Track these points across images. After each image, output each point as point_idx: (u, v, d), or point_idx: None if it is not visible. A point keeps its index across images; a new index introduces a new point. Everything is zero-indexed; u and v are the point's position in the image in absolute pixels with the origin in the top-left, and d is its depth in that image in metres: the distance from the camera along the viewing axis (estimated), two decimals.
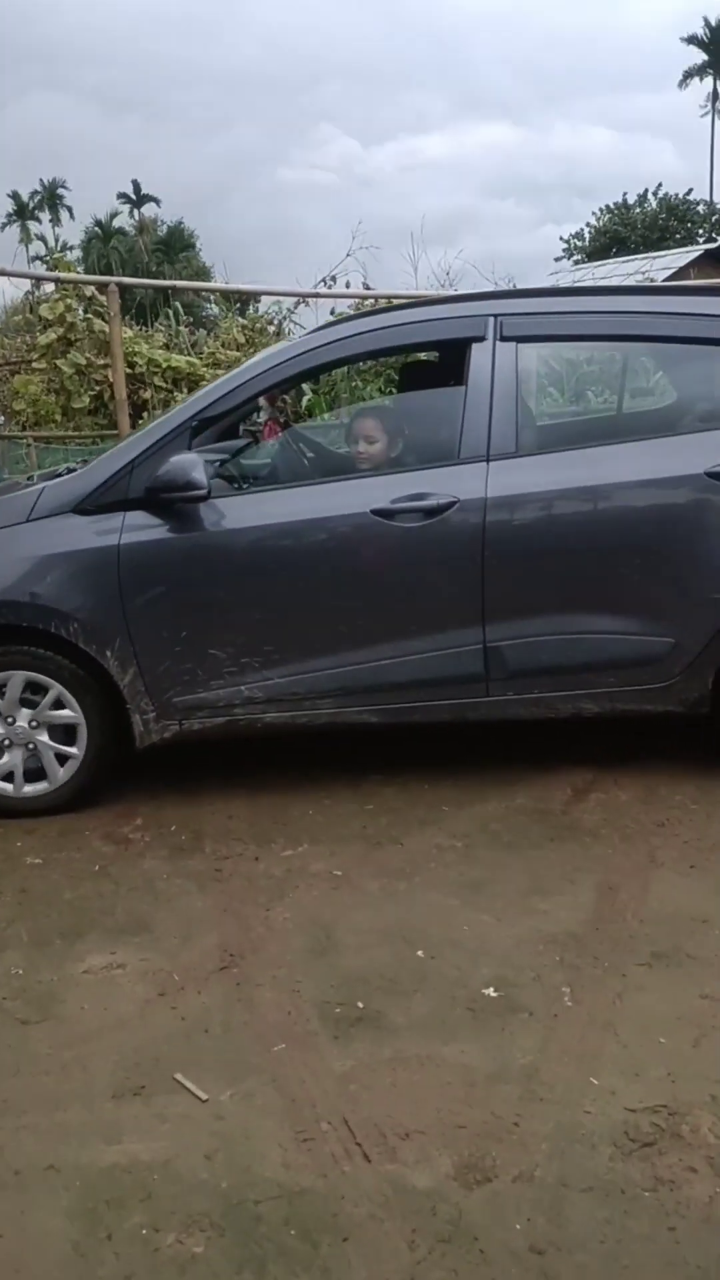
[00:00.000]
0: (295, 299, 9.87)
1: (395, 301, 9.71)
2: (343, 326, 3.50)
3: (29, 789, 3.43)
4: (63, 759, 3.42)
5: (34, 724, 3.38)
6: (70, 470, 3.77)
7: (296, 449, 4.14)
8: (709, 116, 47.21)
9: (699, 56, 46.71)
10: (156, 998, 2.43)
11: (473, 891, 2.84)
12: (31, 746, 3.40)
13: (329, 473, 3.83)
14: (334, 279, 9.87)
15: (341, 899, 2.84)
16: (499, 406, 3.35)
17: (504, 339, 3.40)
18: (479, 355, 3.40)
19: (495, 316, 3.41)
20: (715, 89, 46.28)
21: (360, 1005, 2.36)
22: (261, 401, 3.90)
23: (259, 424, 4.79)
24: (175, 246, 58.00)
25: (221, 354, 9.53)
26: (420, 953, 2.56)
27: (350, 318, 3.64)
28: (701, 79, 47.27)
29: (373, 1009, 2.35)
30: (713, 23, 45.62)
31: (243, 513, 3.37)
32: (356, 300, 9.75)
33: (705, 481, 3.28)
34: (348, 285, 9.77)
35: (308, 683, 3.38)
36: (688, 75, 46.49)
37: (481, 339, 3.40)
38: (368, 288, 9.80)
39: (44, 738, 3.40)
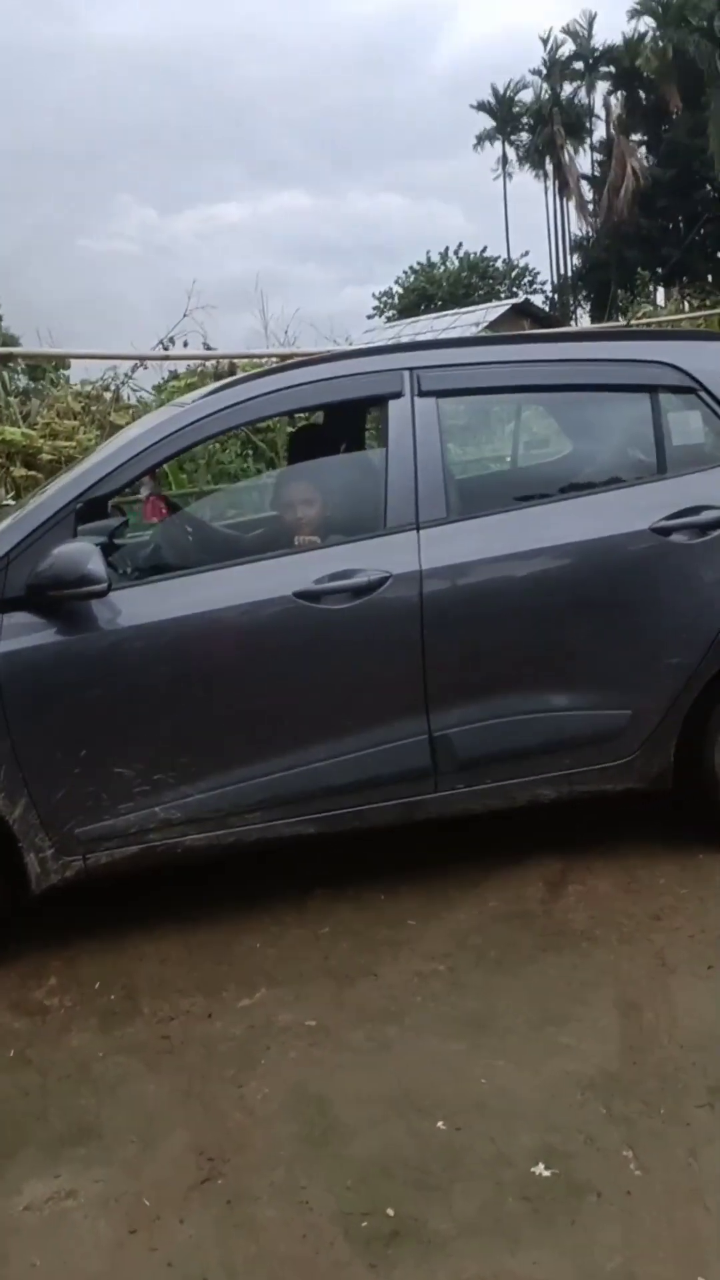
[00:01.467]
0: (132, 363, 9.39)
1: (238, 363, 9.43)
2: (243, 388, 3.09)
3: None
4: None
5: None
6: None
7: (181, 528, 3.70)
8: (500, 179, 49.62)
9: (487, 122, 49.14)
10: (128, 1237, 1.90)
11: (476, 1030, 2.42)
12: None
13: (221, 554, 3.38)
14: (172, 340, 9.45)
15: (324, 1059, 2.37)
16: (424, 469, 3.01)
17: (422, 394, 3.06)
18: (398, 413, 3.04)
19: (411, 370, 3.07)
20: (504, 153, 48.73)
21: (390, 1213, 1.89)
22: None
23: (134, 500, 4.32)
24: None
25: (57, 424, 8.92)
26: (440, 1123, 2.12)
27: (247, 377, 3.25)
28: (492, 143, 49.69)
29: (407, 1215, 1.89)
30: (499, 90, 48.16)
31: (141, 606, 2.87)
32: (199, 361, 9.38)
33: (651, 538, 3.01)
34: (185, 345, 9.36)
35: (232, 796, 2.89)
36: (480, 139, 48.79)
37: (399, 395, 3.06)
38: (208, 348, 9.43)
39: None
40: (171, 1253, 1.85)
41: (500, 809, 3.08)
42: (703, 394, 3.13)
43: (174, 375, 9.98)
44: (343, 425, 3.91)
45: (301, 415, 4.23)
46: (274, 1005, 2.59)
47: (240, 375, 3.29)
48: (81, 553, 2.73)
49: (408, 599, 2.89)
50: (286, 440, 8.69)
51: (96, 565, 2.71)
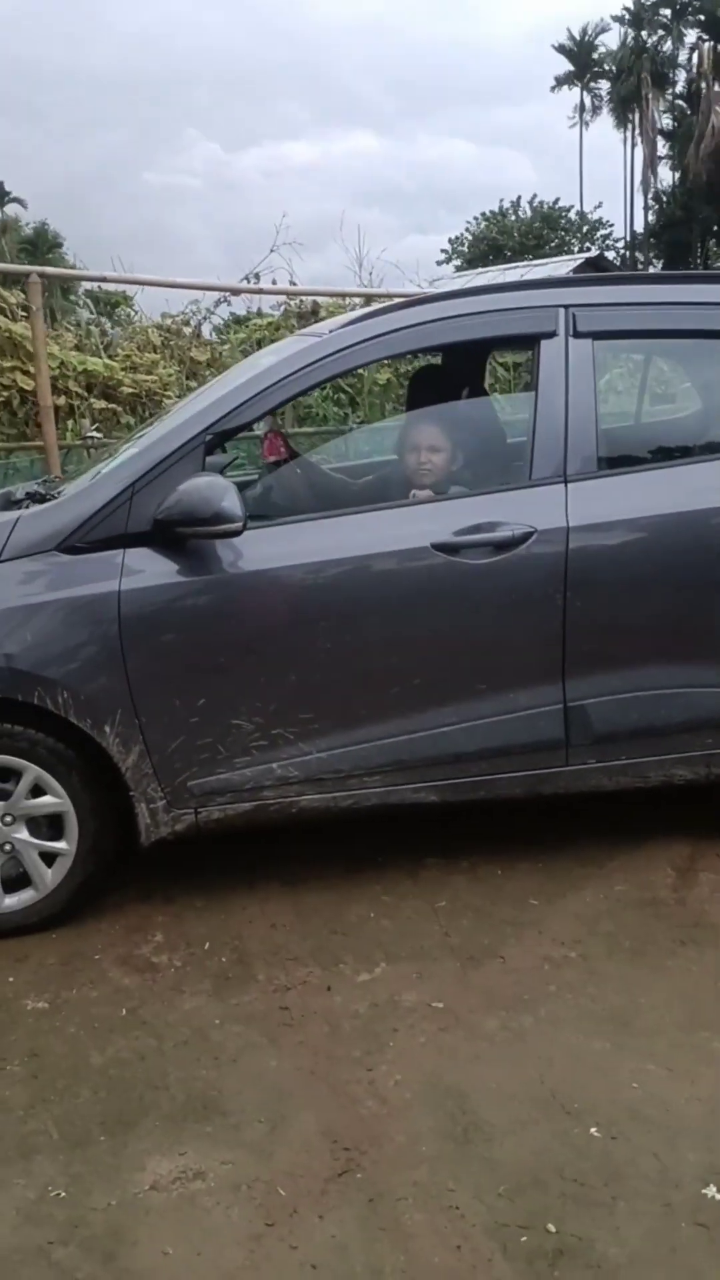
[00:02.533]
0: (215, 299, 9.14)
1: (321, 301, 9.13)
2: (388, 318, 2.85)
3: (10, 900, 2.68)
4: (49, 858, 2.69)
5: (8, 819, 2.64)
6: (33, 495, 3.02)
7: (293, 470, 3.49)
8: (576, 126, 48.04)
9: (564, 66, 47.48)
10: (265, 1230, 1.76)
11: (620, 1028, 2.25)
12: (8, 847, 2.66)
13: (338, 500, 3.18)
14: (257, 275, 9.17)
15: (457, 1047, 2.21)
16: (576, 417, 2.77)
17: (578, 335, 2.82)
18: (550, 354, 2.81)
19: (566, 308, 2.83)
20: (581, 99, 47.12)
21: (551, 1229, 1.74)
22: None
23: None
24: (41, 247, 55.82)
25: (137, 356, 8.70)
26: (595, 1130, 1.96)
27: (382, 310, 2.99)
28: (570, 88, 48.06)
29: (569, 1233, 1.73)
30: (576, 34, 46.45)
31: (268, 550, 2.68)
32: (285, 298, 9.11)
33: None
34: (274, 282, 9.08)
35: (354, 757, 2.72)
36: (559, 82, 47.23)
37: (553, 334, 2.82)
38: (294, 284, 9.15)
39: (23, 834, 2.66)
40: (313, 1253, 1.70)
41: (632, 788, 2.88)
42: None
43: (256, 313, 9.73)
44: (464, 367, 3.67)
45: (422, 357, 3.99)
46: (396, 983, 2.44)
47: (379, 306, 3.01)
48: (215, 488, 2.55)
49: (552, 556, 2.68)
50: (382, 385, 8.46)
51: (232, 502, 2.52)
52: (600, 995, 2.36)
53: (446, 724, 2.75)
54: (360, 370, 3.28)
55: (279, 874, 2.92)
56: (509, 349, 3.25)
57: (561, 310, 2.83)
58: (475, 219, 44.75)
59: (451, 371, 3.71)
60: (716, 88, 41.19)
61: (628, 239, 46.55)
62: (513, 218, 44.10)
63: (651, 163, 44.46)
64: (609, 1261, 1.67)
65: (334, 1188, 1.84)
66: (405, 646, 2.72)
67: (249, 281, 8.90)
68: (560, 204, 44.72)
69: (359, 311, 3.25)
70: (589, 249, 39.77)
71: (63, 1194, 1.85)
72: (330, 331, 2.91)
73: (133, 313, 10.43)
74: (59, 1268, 1.69)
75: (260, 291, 8.72)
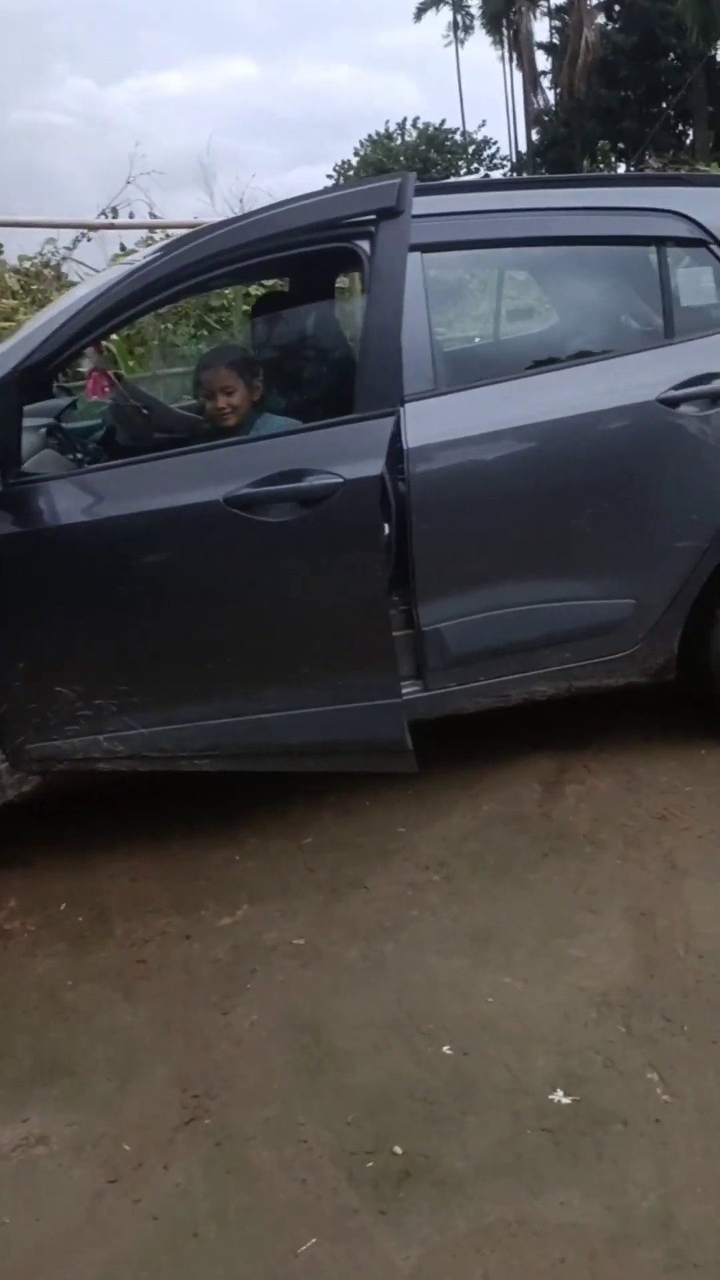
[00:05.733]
0: (74, 237, 8.76)
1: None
2: (204, 242, 2.69)
3: None
4: None
5: None
6: None
7: (136, 409, 3.33)
8: (451, 45, 47.02)
9: None
10: (107, 1187, 1.71)
11: (479, 945, 2.24)
12: None
13: (178, 441, 3.02)
14: (115, 210, 8.79)
15: (316, 980, 2.18)
16: (410, 334, 2.67)
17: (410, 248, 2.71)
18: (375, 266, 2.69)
19: None
20: (455, 17, 46.06)
21: (398, 1150, 1.72)
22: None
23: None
24: None
25: None
26: (447, 1048, 1.95)
27: (205, 229, 2.81)
28: (438, 9, 46.93)
29: (417, 1153, 1.72)
30: None
31: (72, 501, 2.49)
32: (147, 233, 8.77)
33: (658, 410, 2.73)
34: (131, 215, 8.73)
35: (176, 737, 2.55)
36: (422, 9, 46.11)
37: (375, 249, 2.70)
38: (154, 216, 8.80)
39: None
40: (156, 1204, 1.67)
41: (494, 708, 2.86)
42: (715, 248, 2.82)
43: (123, 249, 9.37)
44: (311, 290, 3.54)
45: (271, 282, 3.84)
46: (258, 923, 2.40)
47: (199, 228, 2.83)
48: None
49: (367, 505, 2.38)
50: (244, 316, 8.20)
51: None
52: (462, 914, 2.35)
53: (269, 710, 2.55)
54: (185, 297, 3.04)
55: (145, 827, 2.85)
56: (337, 269, 3.02)
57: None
58: (362, 143, 43.77)
59: (298, 296, 3.58)
60: (590, 2, 40.74)
61: (513, 159, 46.07)
62: (398, 141, 43.26)
63: (533, 80, 43.89)
64: (455, 1175, 1.67)
65: (181, 1136, 1.80)
66: (213, 617, 2.49)
67: (106, 217, 8.54)
68: (446, 125, 43.98)
69: (176, 238, 3.06)
70: (475, 170, 39.34)
71: None
72: (143, 259, 2.75)
73: None
74: None
75: (114, 226, 8.38)
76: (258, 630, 2.47)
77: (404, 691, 2.73)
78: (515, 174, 44.73)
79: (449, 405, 2.69)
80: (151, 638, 2.47)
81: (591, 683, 2.89)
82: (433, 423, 2.64)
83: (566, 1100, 1.79)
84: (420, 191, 2.84)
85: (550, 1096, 1.81)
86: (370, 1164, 1.70)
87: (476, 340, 3.89)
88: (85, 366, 3.37)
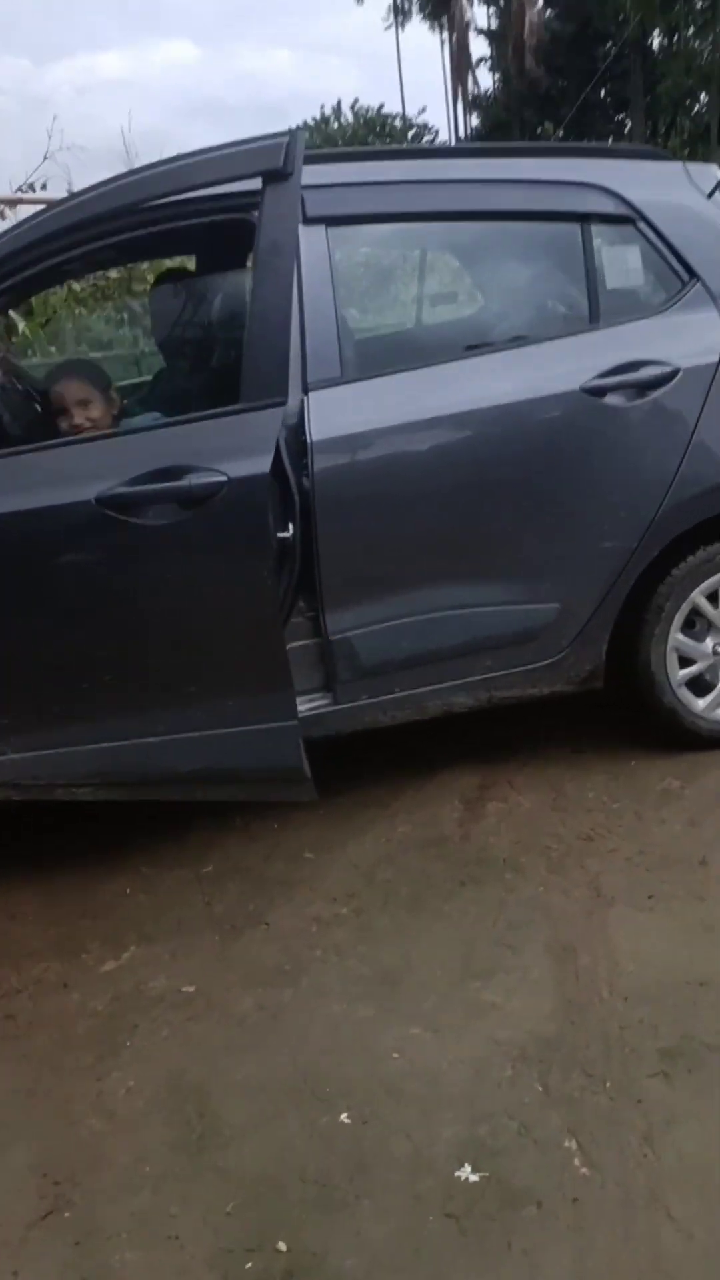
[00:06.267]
0: None
1: None
2: (56, 205, 2.38)
3: None
4: None
5: None
6: None
7: (17, 392, 3.05)
8: (391, 28, 46.59)
9: None
10: None
11: (387, 990, 2.04)
12: None
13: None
14: (31, 186, 8.41)
15: (205, 1037, 1.96)
16: (314, 316, 2.44)
17: (309, 220, 2.47)
18: None
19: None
20: (393, 2, 45.64)
21: (283, 1247, 1.51)
22: None
23: None
24: None
25: None
26: (345, 1116, 1.74)
27: (68, 200, 2.48)
28: None
29: (303, 1248, 1.51)
30: None
31: None
32: None
33: (583, 401, 2.53)
34: (44, 187, 8.33)
35: (53, 763, 2.30)
36: None
37: None
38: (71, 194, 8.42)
39: None
40: None
41: (409, 721, 2.65)
42: (642, 225, 2.62)
43: None
44: (219, 268, 3.28)
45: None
46: (145, 967, 2.17)
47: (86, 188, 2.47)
48: None
49: (255, 506, 2.14)
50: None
51: None
52: (370, 954, 2.15)
53: (155, 734, 2.29)
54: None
55: (29, 855, 2.60)
56: (242, 244, 2.69)
57: None
58: (299, 126, 43.24)
59: (202, 274, 3.32)
60: None
61: (454, 144, 45.92)
62: (335, 125, 42.81)
63: (460, 66, 43.62)
64: (344, 1276, 1.46)
65: (36, 1234, 1.57)
66: (88, 631, 2.22)
67: (22, 192, 8.15)
68: (385, 110, 43.60)
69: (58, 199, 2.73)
70: None
71: None
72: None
73: None
74: None
75: (23, 201, 7.99)
76: (138, 646, 2.22)
77: (312, 705, 2.53)
78: None
79: (357, 395, 2.47)
80: (20, 653, 2.21)
81: (514, 693, 2.69)
82: (339, 414, 2.42)
83: (474, 1178, 1.60)
84: (327, 159, 2.62)
85: (457, 1173, 1.61)
86: (250, 1264, 1.49)
87: (391, 325, 3.66)
88: None
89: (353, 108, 42.25)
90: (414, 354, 2.84)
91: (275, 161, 2.07)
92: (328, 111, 42.47)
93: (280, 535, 2.38)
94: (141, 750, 2.26)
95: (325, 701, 2.55)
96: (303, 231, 2.44)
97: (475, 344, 2.69)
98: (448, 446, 2.50)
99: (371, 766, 2.86)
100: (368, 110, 42.46)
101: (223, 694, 2.25)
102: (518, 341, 2.66)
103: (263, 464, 2.11)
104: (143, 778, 2.30)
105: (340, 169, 2.54)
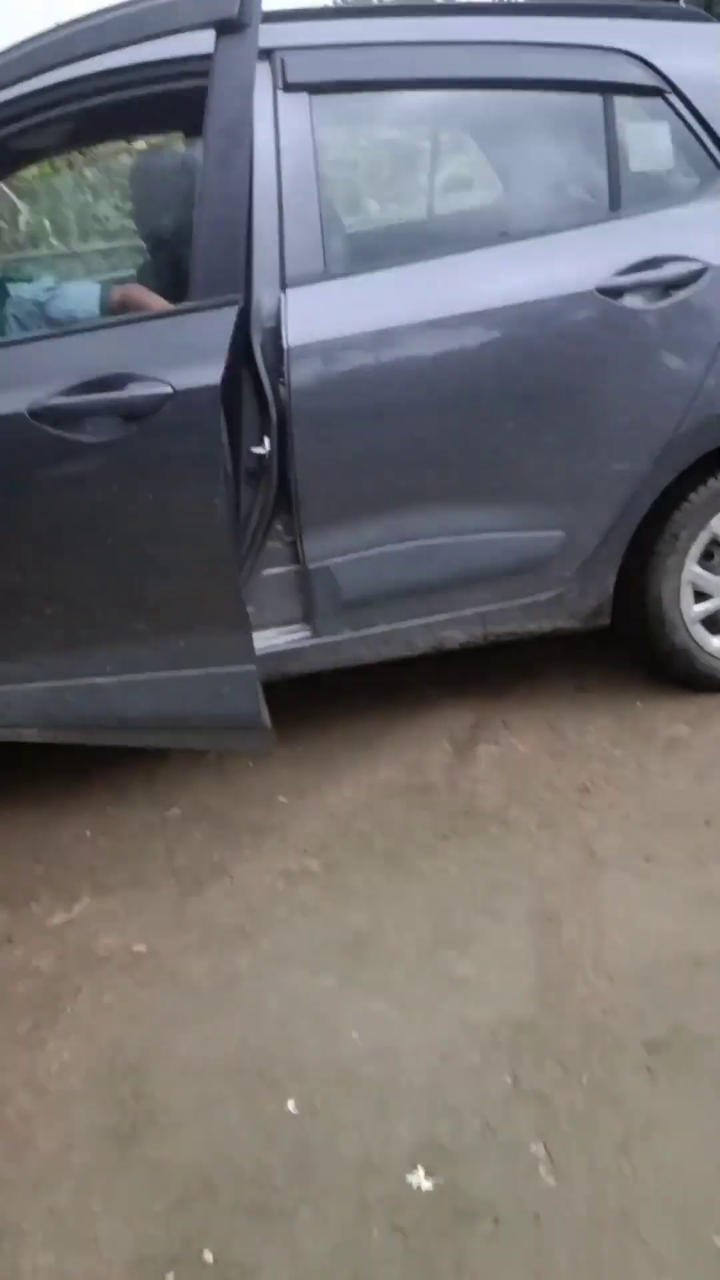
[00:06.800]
0: None
1: None
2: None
3: None
4: None
5: None
6: None
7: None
8: None
9: None
10: None
11: (353, 957, 1.87)
12: None
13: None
14: None
15: (152, 1004, 1.81)
16: (293, 197, 2.14)
17: (289, 87, 2.15)
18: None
19: (274, 52, 2.14)
20: None
21: (209, 1257, 1.37)
22: None
23: None
24: None
25: None
26: (292, 1104, 1.59)
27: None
28: None
29: (231, 1260, 1.37)
30: None
31: None
32: None
33: (598, 302, 2.22)
34: None
35: None
36: None
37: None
38: None
39: None
40: None
41: (397, 657, 2.44)
42: (672, 98, 2.29)
43: None
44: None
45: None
46: (96, 921, 2.01)
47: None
48: None
49: (203, 423, 1.87)
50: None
51: None
52: (338, 915, 1.98)
53: (103, 674, 2.08)
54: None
55: None
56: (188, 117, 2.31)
57: (260, 56, 2.12)
58: None
59: (178, 151, 2.98)
60: None
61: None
62: None
63: None
64: None
65: None
66: (27, 559, 2.00)
67: None
68: None
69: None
70: None
71: None
72: None
73: None
74: None
75: None
76: (81, 578, 1.99)
77: (290, 638, 2.32)
78: None
79: (341, 294, 2.19)
80: None
81: (512, 628, 2.46)
82: (320, 315, 2.14)
83: (428, 1185, 1.44)
84: (311, 16, 2.29)
85: (409, 1178, 1.45)
86: (171, 1275, 1.35)
87: (384, 215, 3.31)
88: None
89: None
90: (409, 247, 2.53)
91: (229, 9, 1.75)
92: None
93: (255, 450, 2.15)
94: (88, 692, 2.06)
95: (304, 635, 2.33)
96: (282, 100, 2.15)
97: (478, 236, 2.38)
98: (441, 353, 2.21)
99: (359, 700, 2.66)
100: None
101: (173, 634, 2.04)
102: (525, 233, 2.35)
103: (212, 374, 1.85)
104: (89, 721, 2.10)
105: (326, 28, 2.20)
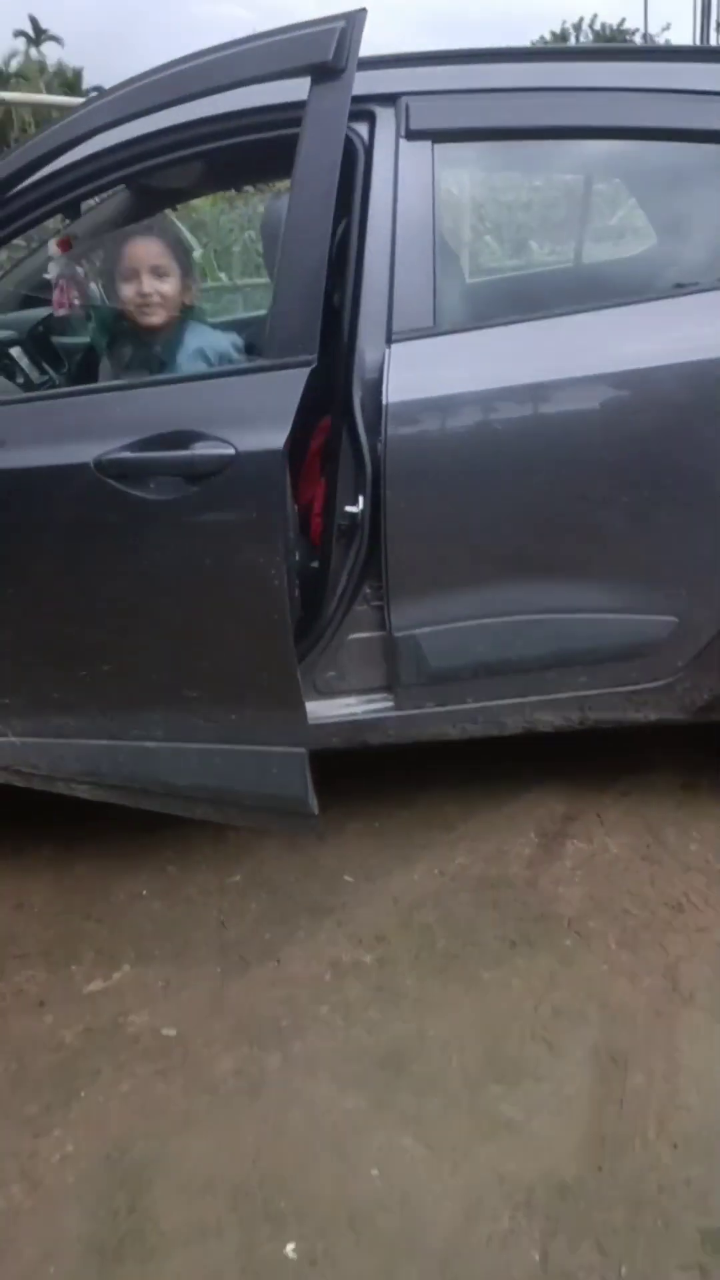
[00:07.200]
0: None
1: None
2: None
3: None
4: None
5: None
6: None
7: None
8: None
9: None
10: None
11: (390, 1074, 1.70)
12: None
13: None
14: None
15: (169, 1101, 1.69)
16: (406, 250, 2.01)
17: (411, 135, 2.02)
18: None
19: (393, 98, 2.01)
20: None
21: None
22: (52, 248, 2.53)
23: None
24: (81, 90, 52.70)
25: None
26: (291, 1248, 1.43)
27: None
28: None
29: None
30: None
31: None
32: None
33: None
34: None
35: (50, 754, 2.04)
36: None
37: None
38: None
39: None
40: None
41: (483, 736, 2.26)
42: None
43: None
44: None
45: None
46: (132, 993, 1.92)
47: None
48: None
49: (266, 486, 1.77)
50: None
51: None
52: (381, 1022, 1.82)
53: (154, 738, 1.99)
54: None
55: (61, 836, 2.39)
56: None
57: (381, 102, 2.02)
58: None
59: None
60: None
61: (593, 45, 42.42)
62: (574, 41, 40.30)
63: None
64: None
65: None
66: (85, 612, 1.92)
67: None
68: (625, 26, 40.56)
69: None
70: None
71: None
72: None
73: None
74: None
75: None
76: (135, 637, 1.90)
77: (370, 708, 2.19)
78: None
79: (451, 350, 2.05)
80: (15, 626, 1.94)
81: (614, 715, 2.25)
82: (426, 371, 2.00)
83: None
84: (437, 60, 2.15)
85: None
86: None
87: (511, 267, 3.13)
88: (51, 273, 2.80)
89: (591, 25, 39.64)
90: (532, 302, 2.36)
91: (323, 54, 1.64)
92: (568, 27, 40.04)
93: (348, 509, 2.04)
94: (137, 754, 1.97)
95: (386, 705, 2.19)
96: (404, 148, 2.03)
97: (605, 292, 2.20)
98: (554, 418, 2.04)
99: (447, 778, 2.49)
100: (606, 28, 39.73)
101: (224, 705, 1.93)
102: (662, 290, 2.16)
103: (277, 437, 1.74)
104: (137, 783, 2.02)
105: (453, 72, 2.07)
